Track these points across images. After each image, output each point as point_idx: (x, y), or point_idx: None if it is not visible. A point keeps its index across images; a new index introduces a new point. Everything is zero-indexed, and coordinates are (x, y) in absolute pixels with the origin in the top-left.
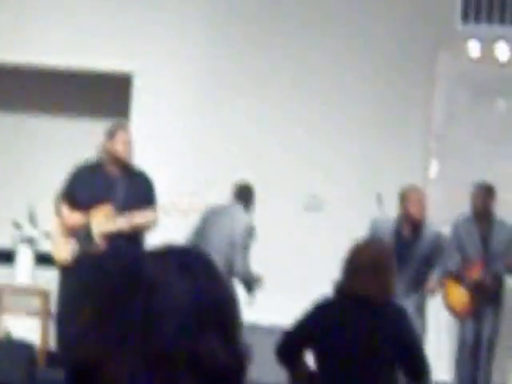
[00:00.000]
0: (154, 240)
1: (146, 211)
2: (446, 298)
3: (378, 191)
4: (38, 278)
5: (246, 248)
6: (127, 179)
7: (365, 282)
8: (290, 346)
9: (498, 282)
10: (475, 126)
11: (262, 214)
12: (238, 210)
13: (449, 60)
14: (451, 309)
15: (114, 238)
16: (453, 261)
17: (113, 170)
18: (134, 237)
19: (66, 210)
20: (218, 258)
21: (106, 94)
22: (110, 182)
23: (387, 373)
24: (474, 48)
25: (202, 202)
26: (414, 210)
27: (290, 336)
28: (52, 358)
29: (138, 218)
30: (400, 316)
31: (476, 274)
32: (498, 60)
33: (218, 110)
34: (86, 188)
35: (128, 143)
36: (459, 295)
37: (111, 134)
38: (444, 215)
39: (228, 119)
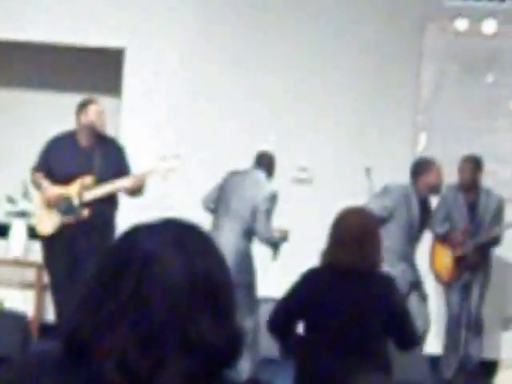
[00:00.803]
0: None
1: (125, 179)
2: (432, 262)
3: (366, 165)
4: (32, 250)
5: (269, 214)
6: (102, 148)
7: (351, 252)
8: (280, 319)
9: (484, 253)
10: (462, 100)
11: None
12: (261, 176)
13: (436, 35)
14: (437, 274)
15: (93, 207)
16: (441, 227)
17: (87, 141)
18: (110, 203)
19: (45, 183)
20: (240, 223)
21: (98, 70)
22: (86, 152)
23: (377, 342)
24: (461, 23)
25: (179, 163)
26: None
27: (280, 309)
28: (46, 330)
29: (116, 186)
30: (389, 285)
31: (461, 245)
32: (485, 34)
33: (211, 84)
34: (61, 159)
35: (100, 113)
36: (445, 260)
37: (83, 107)
38: None
39: (221, 94)
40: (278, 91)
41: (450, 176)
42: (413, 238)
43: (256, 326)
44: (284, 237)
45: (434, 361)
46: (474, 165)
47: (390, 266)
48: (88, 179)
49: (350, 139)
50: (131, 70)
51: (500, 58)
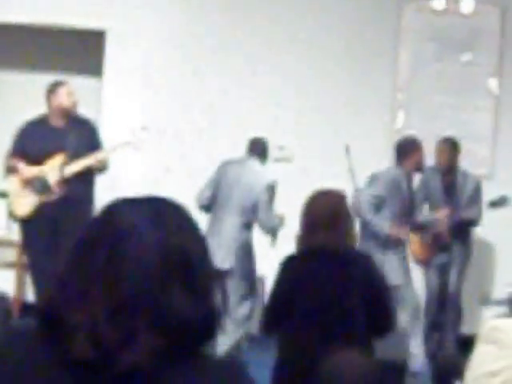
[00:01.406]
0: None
1: (96, 153)
2: (410, 244)
3: (346, 143)
4: (13, 230)
5: (270, 203)
6: (74, 129)
7: (324, 235)
8: (273, 319)
9: (461, 234)
10: (440, 79)
11: None
12: (257, 165)
13: (414, 13)
14: (413, 255)
15: (70, 184)
16: (419, 209)
17: (59, 122)
18: (87, 179)
19: (21, 165)
20: (241, 214)
21: (79, 51)
22: (59, 134)
23: (358, 322)
24: (438, 2)
25: (146, 135)
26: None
27: (270, 310)
28: (27, 309)
29: (89, 159)
30: (367, 263)
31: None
32: (462, 13)
33: (193, 66)
34: (35, 142)
35: (71, 94)
36: (421, 243)
37: (53, 89)
38: None
39: (203, 73)
40: (257, 72)
41: (428, 154)
42: (406, 220)
43: (255, 306)
44: (282, 222)
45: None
46: (451, 147)
47: (383, 251)
48: (62, 157)
49: (328, 118)
50: (113, 51)
51: (477, 37)
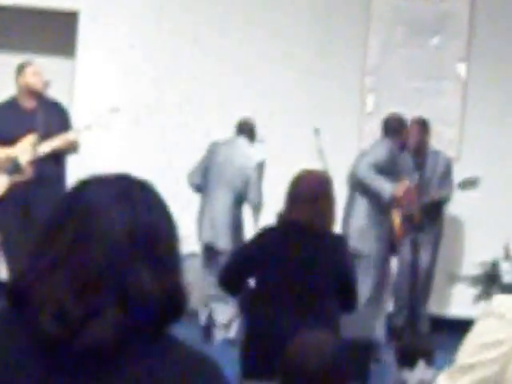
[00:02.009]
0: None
1: (66, 134)
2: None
3: (315, 125)
4: None
5: (259, 181)
6: (44, 110)
7: (304, 210)
8: (233, 274)
9: (433, 214)
10: (410, 63)
11: (203, 146)
12: (246, 145)
13: None
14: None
15: (41, 164)
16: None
17: (29, 104)
18: (58, 160)
19: None
20: (232, 192)
21: (52, 32)
22: (29, 115)
23: (325, 299)
24: None
25: (115, 116)
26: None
27: (233, 265)
28: (0, 287)
29: (60, 140)
30: (340, 245)
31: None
32: None
33: (165, 46)
34: (5, 124)
35: (38, 74)
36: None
37: (20, 69)
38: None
39: (175, 55)
40: (227, 51)
41: None
42: None
43: None
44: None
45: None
46: (421, 127)
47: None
48: (32, 138)
49: (299, 100)
50: (85, 32)
51: (447, 21)
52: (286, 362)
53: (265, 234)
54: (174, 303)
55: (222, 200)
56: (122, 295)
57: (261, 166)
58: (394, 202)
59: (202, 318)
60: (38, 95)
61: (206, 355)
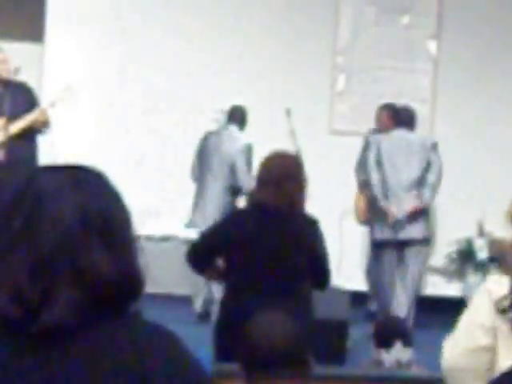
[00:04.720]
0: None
1: (32, 112)
2: (355, 203)
3: (287, 106)
4: None
5: (247, 165)
6: (10, 93)
7: (272, 192)
8: (202, 254)
9: None
10: (380, 42)
11: (173, 131)
12: (234, 130)
13: None
14: (358, 215)
15: (12, 146)
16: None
17: None
18: (28, 140)
19: None
20: (221, 180)
21: (21, 17)
22: None
23: (298, 281)
24: None
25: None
26: None
27: (202, 245)
28: None
29: (26, 120)
30: (311, 226)
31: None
32: None
33: (135, 27)
34: None
35: (5, 62)
36: (361, 202)
37: None
38: (351, 127)
39: (146, 38)
40: (198, 30)
41: (370, 117)
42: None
43: None
44: None
45: (360, 297)
46: (387, 113)
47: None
48: (1, 121)
49: (270, 81)
50: (54, 16)
51: None
52: (244, 345)
53: (235, 217)
54: (128, 283)
55: (211, 189)
56: (77, 275)
57: (248, 150)
58: None
59: (197, 307)
60: (4, 82)
61: (168, 329)
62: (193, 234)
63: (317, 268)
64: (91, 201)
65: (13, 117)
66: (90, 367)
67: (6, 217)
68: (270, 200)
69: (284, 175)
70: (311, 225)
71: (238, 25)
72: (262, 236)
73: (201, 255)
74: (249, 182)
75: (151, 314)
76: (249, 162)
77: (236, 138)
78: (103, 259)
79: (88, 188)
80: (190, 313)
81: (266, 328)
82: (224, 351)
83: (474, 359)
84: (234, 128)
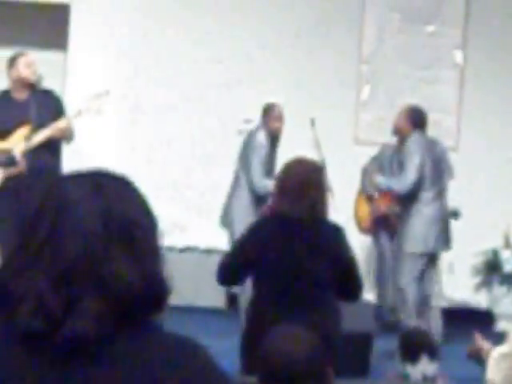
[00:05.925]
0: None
1: (58, 122)
2: (355, 211)
3: (311, 116)
4: None
5: (257, 165)
6: (37, 100)
7: (292, 201)
8: (230, 271)
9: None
10: (405, 51)
11: (198, 137)
12: (259, 130)
13: None
14: (358, 223)
15: (35, 155)
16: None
17: (22, 94)
18: (52, 150)
19: None
20: (242, 184)
21: (44, 25)
22: (22, 107)
23: (325, 292)
24: None
25: (107, 98)
26: None
27: (229, 262)
28: None
29: (51, 129)
30: (336, 235)
31: (384, 204)
32: None
33: (158, 38)
34: None
35: (31, 65)
36: (367, 213)
37: (12, 61)
38: (376, 137)
39: (165, 48)
40: (226, 41)
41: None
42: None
43: None
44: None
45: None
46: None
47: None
48: (26, 130)
49: (295, 91)
50: (77, 25)
51: (442, 8)
52: (261, 360)
53: (258, 229)
54: (154, 292)
55: (237, 192)
56: (100, 285)
57: (261, 147)
58: None
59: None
60: (31, 87)
61: (192, 341)
62: (214, 245)
63: (345, 277)
64: (113, 206)
65: (38, 125)
66: (117, 380)
67: (30, 226)
68: (292, 210)
69: (303, 184)
70: (335, 232)
71: (263, 34)
72: (286, 247)
73: (231, 273)
74: (259, 182)
75: (173, 325)
76: (258, 162)
77: (251, 138)
78: (126, 268)
79: (110, 193)
80: (212, 324)
81: (280, 343)
82: (249, 364)
83: None
84: (260, 127)
